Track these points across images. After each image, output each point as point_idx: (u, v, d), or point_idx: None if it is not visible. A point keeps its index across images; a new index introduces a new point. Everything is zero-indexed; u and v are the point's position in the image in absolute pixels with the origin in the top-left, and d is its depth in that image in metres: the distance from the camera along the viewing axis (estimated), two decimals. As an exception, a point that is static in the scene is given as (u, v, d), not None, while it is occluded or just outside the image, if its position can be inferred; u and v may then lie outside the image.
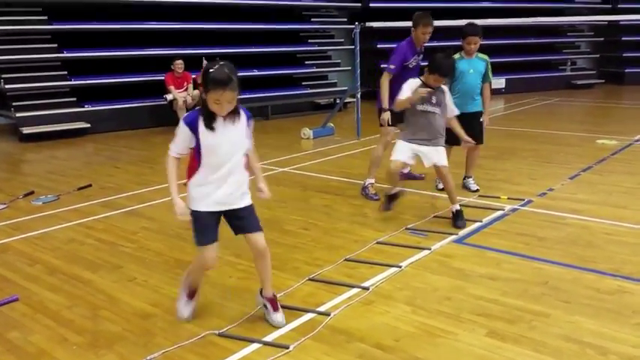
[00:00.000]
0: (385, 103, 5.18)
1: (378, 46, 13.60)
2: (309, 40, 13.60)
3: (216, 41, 11.46)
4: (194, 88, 9.76)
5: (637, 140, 8.06)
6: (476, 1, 14.99)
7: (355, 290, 3.41)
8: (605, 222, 4.57)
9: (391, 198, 4.72)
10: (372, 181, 5.50)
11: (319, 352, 2.76)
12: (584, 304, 3.19)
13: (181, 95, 9.72)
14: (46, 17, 10.06)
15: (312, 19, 13.86)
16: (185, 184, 2.94)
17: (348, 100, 11.38)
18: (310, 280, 3.58)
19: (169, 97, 9.85)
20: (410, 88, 4.47)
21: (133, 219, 5.00)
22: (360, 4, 14.09)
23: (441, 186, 5.57)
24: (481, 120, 5.45)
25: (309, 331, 2.93)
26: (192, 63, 9.79)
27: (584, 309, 3.13)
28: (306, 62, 13.29)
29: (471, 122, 5.33)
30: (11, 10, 9.85)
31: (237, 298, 3.34)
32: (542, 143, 8.06)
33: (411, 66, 5.33)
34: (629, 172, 6.23)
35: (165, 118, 9.68)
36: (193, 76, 9.81)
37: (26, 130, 9.22)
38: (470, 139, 4.77)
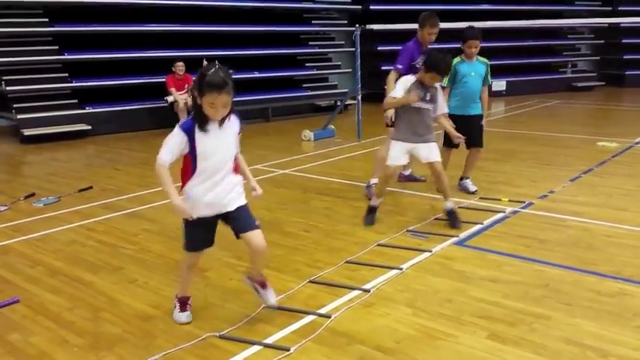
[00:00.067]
0: None
1: (379, 48, 13.62)
2: (310, 43, 13.61)
3: (217, 43, 11.47)
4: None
5: (637, 143, 8.06)
6: (476, 4, 15.00)
7: (356, 292, 3.41)
8: (606, 224, 4.57)
9: (373, 210, 4.71)
10: (376, 180, 5.50)
11: (320, 355, 2.76)
12: (584, 306, 3.19)
13: (182, 97, 9.73)
14: (47, 19, 10.08)
15: (313, 22, 13.88)
16: (180, 192, 2.93)
17: (348, 102, 11.38)
18: (311, 282, 3.58)
19: (170, 99, 9.86)
20: (404, 86, 4.45)
21: (133, 221, 5.01)
22: (360, 7, 14.11)
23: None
24: (482, 123, 5.44)
25: (309, 334, 2.93)
26: (193, 65, 9.79)
27: (585, 311, 3.13)
28: (307, 64, 13.31)
29: (472, 125, 5.34)
30: (12, 12, 9.86)
31: (237, 300, 3.34)
32: (543, 145, 8.07)
33: (417, 65, 5.34)
34: (629, 175, 6.23)
35: (166, 120, 9.68)
36: (194, 78, 9.81)
37: (27, 132, 9.23)
38: (460, 135, 4.78)
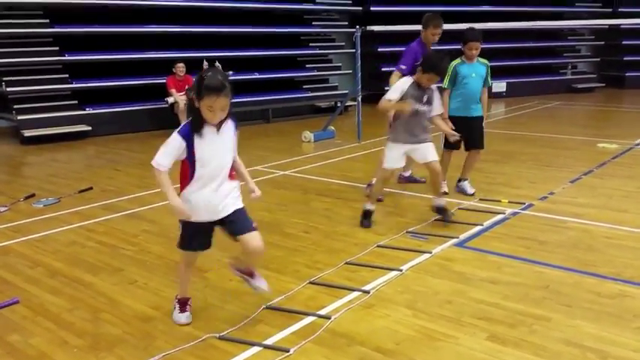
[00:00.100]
0: None
1: (379, 49, 13.63)
2: (311, 44, 13.61)
3: (218, 44, 11.47)
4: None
5: (637, 144, 8.06)
6: (476, 5, 15.01)
7: (356, 294, 3.41)
8: (606, 226, 4.57)
9: (369, 214, 4.71)
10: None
11: (319, 356, 2.76)
12: (585, 308, 3.19)
13: (182, 98, 9.71)
14: (47, 20, 10.08)
15: (314, 23, 13.89)
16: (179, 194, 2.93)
17: (349, 103, 11.38)
18: (311, 283, 3.58)
19: (171, 100, 9.86)
20: (401, 88, 4.43)
21: (133, 222, 5.01)
22: (361, 8, 14.11)
23: (446, 189, 5.55)
24: (483, 124, 5.44)
25: (309, 335, 2.93)
26: (193, 66, 9.80)
27: (585, 313, 3.13)
28: (307, 65, 13.31)
29: (473, 127, 5.34)
30: (13, 14, 9.87)
31: (237, 301, 3.34)
32: (543, 147, 8.07)
33: None
34: (629, 176, 6.23)
35: (167, 121, 9.68)
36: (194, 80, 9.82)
37: (27, 133, 9.23)
38: (455, 133, 4.80)
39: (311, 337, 2.90)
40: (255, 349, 2.81)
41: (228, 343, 2.89)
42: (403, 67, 5.29)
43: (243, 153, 3.04)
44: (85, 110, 10.05)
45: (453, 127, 5.16)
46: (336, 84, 13.77)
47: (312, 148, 8.59)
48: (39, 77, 9.75)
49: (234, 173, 2.99)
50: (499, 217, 4.85)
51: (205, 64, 9.80)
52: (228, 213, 2.89)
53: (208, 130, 2.76)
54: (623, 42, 17.02)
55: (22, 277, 3.83)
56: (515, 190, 5.69)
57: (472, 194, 5.48)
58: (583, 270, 3.71)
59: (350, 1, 14.35)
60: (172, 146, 2.75)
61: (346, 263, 3.89)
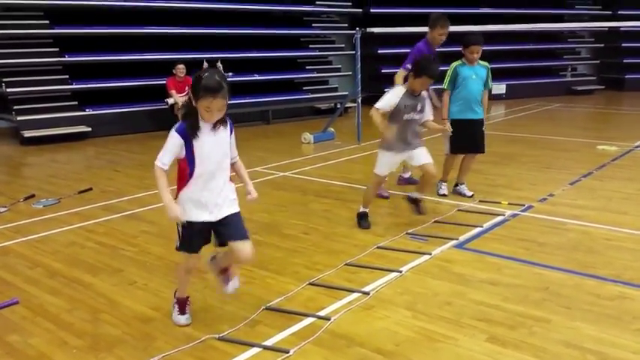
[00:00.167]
0: None
1: (379, 51, 13.65)
2: (310, 46, 13.63)
3: (218, 46, 11.48)
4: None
5: (637, 146, 8.07)
6: (476, 8, 15.04)
7: (355, 295, 3.41)
8: (606, 228, 4.57)
9: (364, 215, 4.71)
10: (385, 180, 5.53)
11: (319, 357, 2.76)
12: (584, 309, 3.19)
13: (182, 99, 9.73)
14: (47, 21, 10.09)
15: (313, 25, 13.90)
16: (176, 198, 2.92)
17: (348, 105, 11.39)
18: (310, 284, 3.58)
19: (170, 101, 9.86)
20: (395, 97, 4.40)
21: (133, 222, 5.01)
22: (361, 10, 14.13)
23: (442, 192, 5.57)
24: (483, 129, 5.44)
25: (309, 336, 2.92)
26: (193, 67, 9.80)
27: (585, 315, 3.13)
28: (307, 67, 13.32)
29: (474, 130, 5.34)
30: (13, 14, 9.88)
31: (237, 302, 3.33)
32: (543, 149, 8.07)
33: None
34: (629, 178, 6.23)
35: (167, 122, 9.56)
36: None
37: (27, 134, 9.23)
38: (448, 126, 4.94)
39: (311, 338, 2.90)
40: (255, 350, 2.81)
41: (227, 344, 2.89)
42: (409, 66, 5.30)
43: (242, 154, 3.05)
44: (84, 111, 10.05)
45: (451, 130, 5.17)
46: (336, 86, 13.77)
47: (312, 149, 8.59)
48: (39, 78, 9.76)
49: (233, 175, 2.99)
50: (499, 218, 4.85)
51: (205, 65, 9.80)
52: (225, 215, 2.88)
53: (204, 129, 2.77)
54: (623, 44, 17.04)
55: (22, 277, 3.83)
56: (514, 192, 5.69)
57: (471, 196, 5.48)
58: (583, 272, 3.71)
59: (350, 3, 14.37)
60: (171, 144, 2.76)
61: (346, 264, 3.89)
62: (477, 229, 4.56)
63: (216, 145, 2.80)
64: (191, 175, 2.81)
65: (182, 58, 10.16)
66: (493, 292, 3.44)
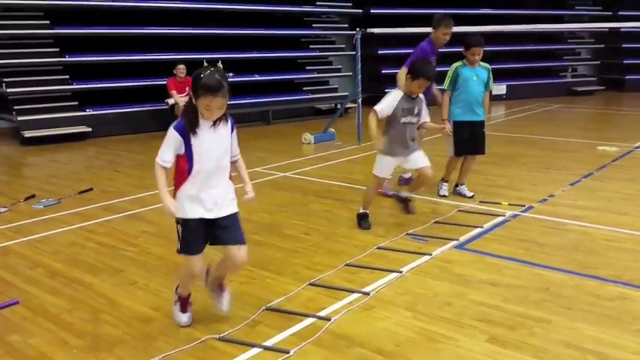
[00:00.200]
0: None
1: (379, 52, 13.66)
2: (311, 46, 13.63)
3: (218, 46, 11.49)
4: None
5: (637, 147, 8.07)
6: (477, 8, 15.04)
7: (356, 295, 3.41)
8: (606, 228, 4.57)
9: (365, 216, 4.71)
10: (389, 178, 5.54)
11: (319, 357, 2.76)
12: (585, 310, 3.19)
13: (183, 100, 9.73)
14: (48, 22, 10.09)
15: (314, 25, 13.91)
16: (174, 195, 2.91)
17: (349, 105, 11.40)
18: (311, 284, 3.58)
19: (171, 101, 9.87)
20: (393, 101, 4.41)
21: (134, 223, 5.01)
22: (361, 11, 14.14)
23: (442, 192, 5.56)
24: (484, 130, 5.44)
25: (309, 336, 2.92)
26: (194, 68, 9.79)
27: (585, 315, 3.13)
28: (308, 68, 13.33)
29: (475, 132, 5.34)
30: (13, 15, 9.88)
31: (237, 303, 3.33)
32: (543, 149, 8.07)
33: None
34: (629, 179, 6.23)
35: (167, 123, 9.54)
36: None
37: (28, 134, 9.24)
38: (448, 127, 4.98)
39: (311, 339, 2.90)
40: (255, 351, 2.81)
41: (228, 344, 2.89)
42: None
43: (243, 154, 3.05)
44: (85, 111, 10.06)
45: (452, 131, 5.18)
46: (336, 86, 13.78)
47: (312, 149, 8.59)
48: (39, 78, 9.76)
49: (235, 175, 2.99)
50: (499, 219, 4.85)
51: (206, 65, 9.81)
52: (223, 215, 2.86)
53: (204, 126, 2.76)
54: (623, 45, 17.04)
55: (22, 277, 3.83)
56: (515, 193, 5.69)
57: (471, 197, 5.48)
58: (583, 272, 3.71)
59: (350, 4, 14.38)
60: (170, 140, 2.76)
61: (346, 265, 3.89)
62: (478, 230, 4.56)
63: (215, 143, 2.79)
64: (189, 172, 2.79)
65: (182, 59, 10.17)
66: (493, 292, 3.44)
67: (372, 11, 14.00)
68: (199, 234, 2.88)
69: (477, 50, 5.17)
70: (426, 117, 4.63)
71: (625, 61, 16.99)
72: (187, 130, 2.74)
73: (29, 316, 3.25)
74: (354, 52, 9.21)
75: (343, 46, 14.27)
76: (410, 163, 4.59)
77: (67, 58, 10.06)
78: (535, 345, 2.82)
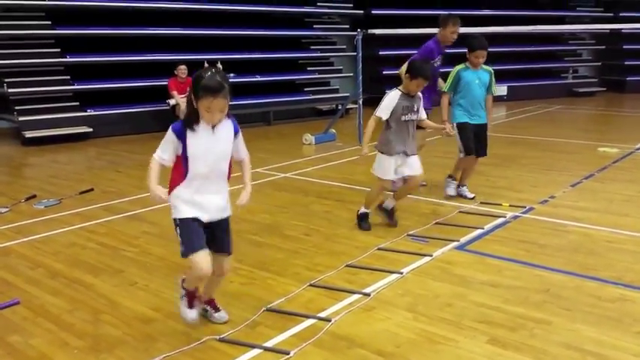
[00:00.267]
0: None
1: (380, 53, 13.65)
2: (312, 47, 13.64)
3: (220, 47, 11.49)
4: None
5: (638, 148, 8.06)
6: (478, 9, 15.03)
7: (356, 296, 3.41)
8: (607, 230, 4.57)
9: (365, 216, 4.71)
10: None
11: (320, 358, 2.76)
12: (585, 311, 3.19)
13: (184, 100, 9.74)
14: (49, 22, 10.10)
15: (315, 26, 13.91)
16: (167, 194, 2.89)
17: (350, 106, 11.40)
18: (311, 285, 3.58)
19: (172, 102, 9.89)
20: (391, 105, 4.42)
21: (134, 223, 5.01)
22: (362, 12, 14.14)
23: (450, 192, 5.51)
24: (487, 133, 5.43)
25: (309, 337, 2.93)
26: (195, 68, 9.79)
27: (586, 317, 3.12)
28: (309, 68, 13.33)
29: (477, 134, 5.33)
30: (15, 15, 9.88)
31: (237, 303, 3.33)
32: (544, 150, 8.07)
33: (435, 64, 5.49)
34: (630, 180, 6.23)
35: (168, 123, 9.51)
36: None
37: (29, 134, 9.25)
38: (449, 129, 4.96)
39: (311, 340, 2.90)
40: (256, 352, 2.81)
41: (228, 345, 2.89)
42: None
43: (244, 155, 3.05)
44: (86, 112, 10.07)
45: (452, 132, 5.18)
46: (337, 87, 13.79)
47: (313, 150, 8.59)
48: (40, 79, 9.77)
49: (238, 175, 2.97)
50: (500, 220, 4.85)
51: (206, 65, 9.82)
52: (215, 220, 2.84)
53: (203, 129, 2.73)
54: (624, 46, 17.04)
55: (23, 278, 3.83)
56: (516, 194, 5.69)
57: (472, 198, 5.48)
58: (584, 274, 3.71)
59: (351, 5, 14.37)
60: (168, 140, 2.75)
61: (347, 266, 3.89)
62: (478, 231, 4.56)
63: (213, 148, 2.75)
64: (185, 174, 2.77)
65: (184, 59, 10.19)
66: (494, 293, 3.44)
67: (372, 12, 14.00)
68: (197, 231, 2.80)
69: (481, 53, 5.15)
70: (423, 114, 4.65)
71: (626, 63, 16.99)
72: (185, 132, 2.71)
73: (30, 317, 3.26)
74: (355, 53, 9.21)
75: (344, 47, 14.27)
76: (408, 167, 4.58)
77: (69, 59, 10.07)
78: (535, 346, 2.82)
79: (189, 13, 11.57)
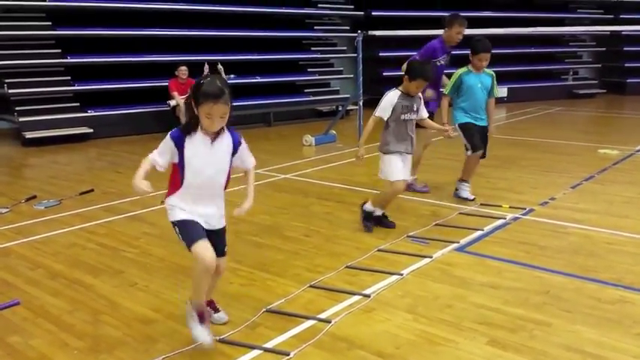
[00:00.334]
0: None
1: (380, 54, 13.66)
2: (312, 48, 13.65)
3: (220, 48, 11.50)
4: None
5: (638, 150, 8.07)
6: (478, 11, 15.03)
7: (356, 297, 3.41)
8: (607, 231, 4.57)
9: (371, 217, 4.70)
10: (415, 176, 5.70)
11: (320, 359, 2.76)
12: (585, 313, 3.19)
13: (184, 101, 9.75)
14: (50, 23, 10.11)
15: (315, 27, 13.93)
16: (162, 202, 2.87)
17: (350, 107, 11.41)
18: (311, 286, 3.58)
19: (173, 102, 9.89)
20: (390, 105, 4.43)
21: (135, 224, 5.01)
22: (362, 13, 14.15)
23: (464, 195, 5.47)
24: (488, 135, 5.43)
25: (309, 338, 2.92)
26: (196, 69, 9.83)
27: (586, 318, 3.12)
28: (309, 70, 13.34)
29: (480, 137, 5.33)
30: (15, 16, 9.90)
31: (237, 304, 3.33)
32: (544, 152, 8.07)
33: (438, 64, 5.53)
34: (630, 182, 6.23)
35: (168, 124, 9.59)
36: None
37: (29, 135, 9.25)
38: (451, 131, 4.92)
39: (311, 341, 2.90)
40: (256, 353, 2.81)
41: (228, 346, 2.89)
42: (418, 58, 5.42)
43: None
44: (86, 112, 10.07)
45: (453, 133, 5.17)
46: (338, 88, 13.80)
47: (313, 151, 8.60)
48: (41, 79, 9.78)
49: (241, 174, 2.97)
50: (500, 222, 4.85)
51: (207, 66, 9.83)
52: (215, 228, 2.84)
53: (201, 139, 2.69)
54: (624, 48, 17.06)
55: (23, 278, 3.83)
56: (516, 195, 5.69)
57: (472, 199, 5.48)
58: (584, 275, 3.71)
59: (351, 6, 14.40)
60: (165, 146, 2.73)
61: (347, 267, 3.89)
62: (478, 233, 4.56)
63: (210, 161, 2.73)
64: (182, 182, 2.75)
65: (184, 60, 10.19)
66: (494, 295, 3.43)
67: (373, 14, 14.02)
68: (196, 224, 2.77)
69: (485, 56, 5.15)
70: (423, 113, 4.65)
71: (626, 65, 17.01)
72: (183, 140, 2.68)
73: (30, 317, 3.26)
74: (355, 55, 9.21)
75: (344, 48, 14.28)
76: (405, 168, 4.59)
77: (69, 60, 10.08)
78: (535, 348, 2.82)
79: (190, 14, 11.58)
